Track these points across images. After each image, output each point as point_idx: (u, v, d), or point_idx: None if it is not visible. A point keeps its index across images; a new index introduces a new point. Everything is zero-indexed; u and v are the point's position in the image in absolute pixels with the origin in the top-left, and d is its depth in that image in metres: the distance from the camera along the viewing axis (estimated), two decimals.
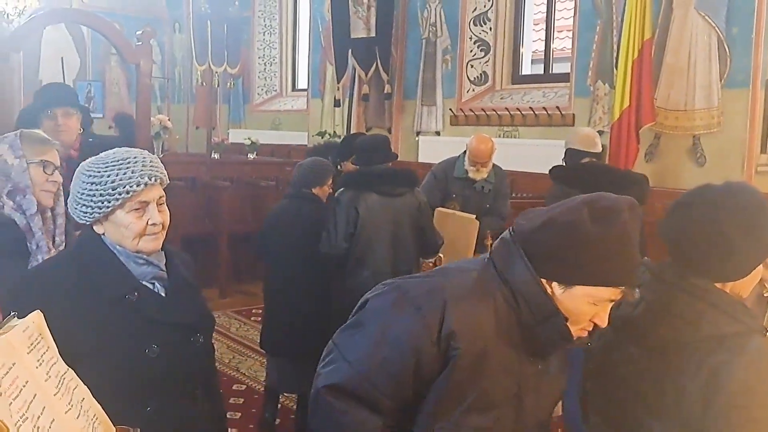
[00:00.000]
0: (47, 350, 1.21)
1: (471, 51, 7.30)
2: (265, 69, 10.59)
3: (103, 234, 1.76)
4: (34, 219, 2.12)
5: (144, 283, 1.76)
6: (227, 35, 7.39)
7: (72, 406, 1.20)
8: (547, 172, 5.06)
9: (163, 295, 1.79)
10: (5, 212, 2.13)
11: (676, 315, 1.56)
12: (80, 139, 3.37)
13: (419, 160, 7.49)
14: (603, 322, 1.50)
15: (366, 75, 7.69)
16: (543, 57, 7.20)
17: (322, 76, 8.99)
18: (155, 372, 1.72)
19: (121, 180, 1.70)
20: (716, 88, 5.20)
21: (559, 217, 1.46)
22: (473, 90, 7.35)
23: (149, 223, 1.74)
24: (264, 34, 10.49)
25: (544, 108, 6.49)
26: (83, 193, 1.73)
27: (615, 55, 5.59)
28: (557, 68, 7.03)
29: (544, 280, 1.47)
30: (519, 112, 6.69)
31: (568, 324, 1.48)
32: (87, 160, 1.79)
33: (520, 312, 1.48)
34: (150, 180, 1.73)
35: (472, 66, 7.32)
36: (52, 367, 1.20)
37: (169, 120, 8.24)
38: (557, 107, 6.39)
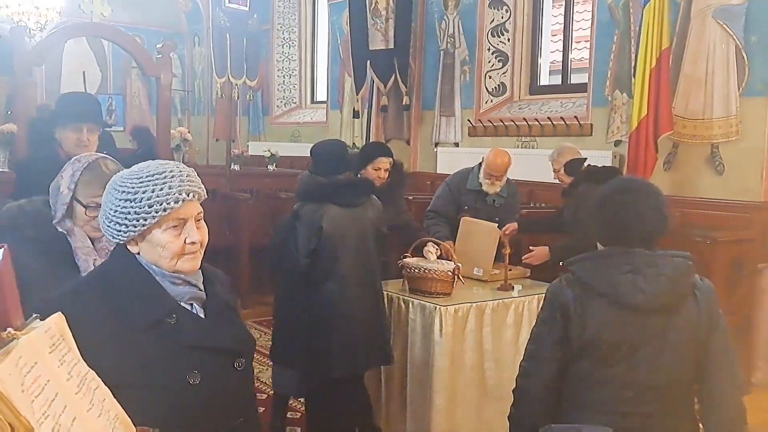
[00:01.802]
0: (68, 351, 1.24)
1: (489, 62, 7.32)
2: (284, 81, 10.68)
3: (138, 253, 1.67)
4: (76, 242, 2.13)
5: (182, 304, 1.67)
6: (246, 48, 7.47)
7: (93, 405, 1.23)
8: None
9: (202, 317, 1.70)
10: (59, 227, 2.14)
11: (680, 279, 2.06)
12: None
13: (437, 171, 7.51)
14: None
15: (385, 86, 7.72)
16: (561, 67, 7.20)
17: (341, 88, 9.04)
18: (197, 402, 1.61)
19: (157, 196, 1.60)
20: (734, 97, 5.17)
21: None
22: (491, 101, 7.35)
23: (187, 241, 1.65)
24: (283, 47, 10.60)
25: (562, 118, 6.48)
26: (117, 211, 1.62)
27: (633, 64, 5.59)
28: (575, 78, 7.01)
29: None
30: (537, 123, 6.68)
31: None
32: (119, 174, 1.69)
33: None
34: (188, 196, 1.63)
35: (490, 77, 7.33)
36: (74, 367, 1.23)
37: (189, 132, 8.34)
38: (575, 117, 6.37)
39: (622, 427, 2.00)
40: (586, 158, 4.57)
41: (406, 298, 3.98)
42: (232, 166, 7.89)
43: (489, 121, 7.16)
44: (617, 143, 5.97)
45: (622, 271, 2.03)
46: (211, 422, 1.65)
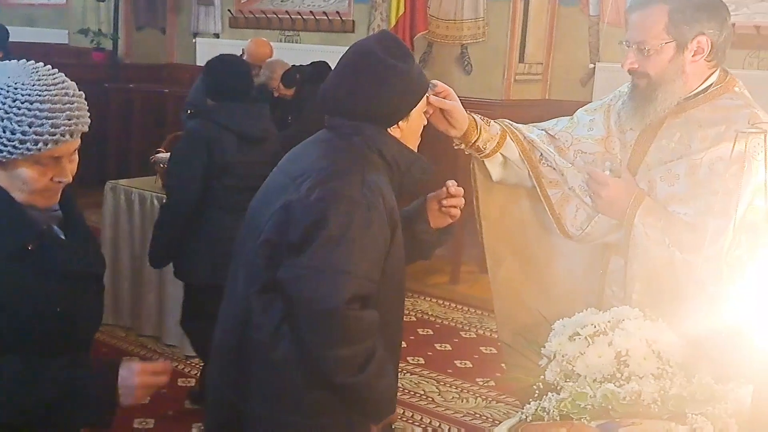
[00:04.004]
0: None
1: None
2: None
3: None
4: None
5: (42, 227, 1.49)
6: None
7: None
8: None
9: (63, 238, 1.53)
10: None
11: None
12: None
13: (197, 63, 7.15)
14: None
15: None
16: None
17: None
18: (64, 329, 1.50)
19: (35, 133, 1.35)
20: (482, 0, 5.47)
21: (373, 79, 1.65)
22: None
23: (55, 180, 1.42)
24: None
25: (325, 13, 6.46)
26: None
27: None
28: None
29: (394, 127, 1.69)
30: (300, 17, 6.60)
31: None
32: None
33: (392, 171, 1.70)
34: (71, 137, 1.39)
35: None
36: None
37: None
38: (338, 13, 6.38)
39: None
40: (293, 65, 4.67)
41: (158, 194, 3.82)
42: None
43: (251, 12, 6.92)
44: None
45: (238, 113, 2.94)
46: (75, 345, 1.57)
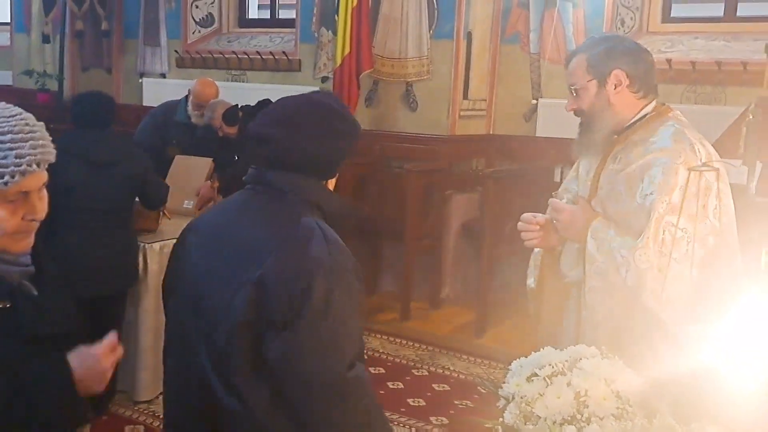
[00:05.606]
0: None
1: None
2: None
3: None
4: None
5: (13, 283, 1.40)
6: None
7: None
8: None
9: (35, 293, 1.44)
10: None
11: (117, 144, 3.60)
12: None
13: (144, 104, 7.09)
14: None
15: (79, 9, 7.07)
16: (269, 2, 7.19)
17: (28, 9, 8.02)
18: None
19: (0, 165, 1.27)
20: (426, 39, 5.59)
21: (331, 129, 1.63)
22: (199, 31, 7.09)
23: (26, 218, 1.36)
24: None
25: (271, 53, 6.50)
26: None
27: (337, 2, 5.73)
28: (283, 14, 7.10)
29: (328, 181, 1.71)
30: (246, 56, 6.64)
31: None
32: None
33: (333, 223, 1.66)
34: (38, 167, 1.33)
35: (197, 6, 7.05)
36: None
37: None
38: (284, 52, 6.43)
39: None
40: (237, 104, 4.62)
41: None
42: None
43: (197, 52, 6.93)
44: (324, 79, 6.14)
45: (87, 139, 3.26)
46: None
